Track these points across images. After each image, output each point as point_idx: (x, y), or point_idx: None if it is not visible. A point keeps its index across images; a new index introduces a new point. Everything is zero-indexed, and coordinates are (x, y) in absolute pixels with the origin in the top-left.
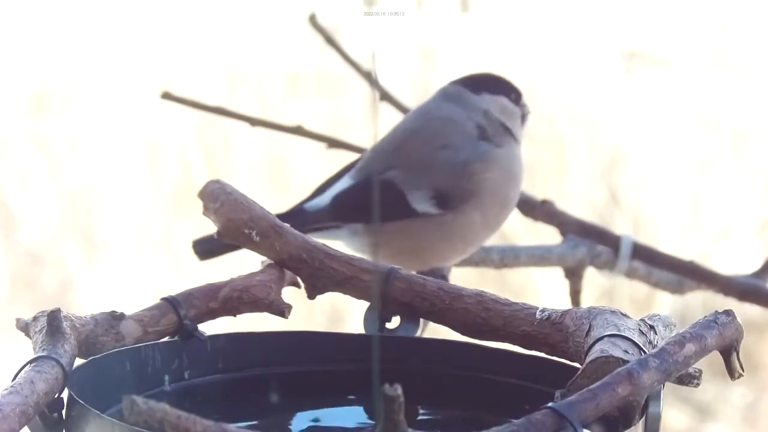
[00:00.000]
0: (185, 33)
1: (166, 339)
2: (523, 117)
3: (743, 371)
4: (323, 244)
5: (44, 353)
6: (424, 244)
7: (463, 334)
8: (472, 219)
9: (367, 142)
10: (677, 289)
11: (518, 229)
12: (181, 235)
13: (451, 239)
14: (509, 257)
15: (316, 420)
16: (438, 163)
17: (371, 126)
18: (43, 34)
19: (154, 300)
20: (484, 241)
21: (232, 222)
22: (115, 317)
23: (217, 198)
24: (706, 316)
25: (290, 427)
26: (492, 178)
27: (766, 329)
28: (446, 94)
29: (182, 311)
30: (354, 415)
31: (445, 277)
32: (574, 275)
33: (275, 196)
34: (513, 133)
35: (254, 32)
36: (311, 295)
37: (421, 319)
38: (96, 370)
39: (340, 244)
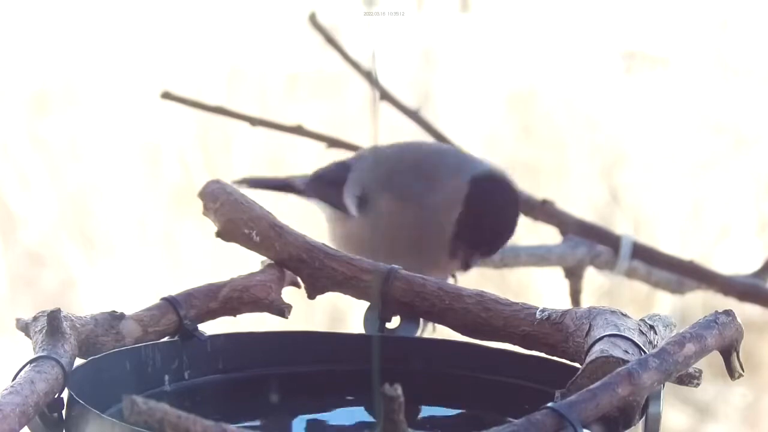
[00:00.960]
0: (185, 33)
1: (166, 339)
2: (464, 259)
3: (743, 371)
4: (323, 244)
5: (44, 353)
6: (346, 240)
7: (463, 334)
8: (364, 229)
9: (367, 142)
10: (677, 289)
11: (518, 229)
12: (181, 235)
13: (352, 241)
14: (509, 257)
15: (316, 420)
16: (371, 171)
17: (371, 126)
18: (43, 34)
19: (154, 300)
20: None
21: (232, 222)
22: (115, 317)
23: (217, 198)
24: (706, 316)
25: (290, 427)
26: (388, 209)
27: (766, 329)
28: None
29: (182, 311)
30: (354, 415)
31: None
32: (574, 275)
33: (275, 196)
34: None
35: (254, 32)
36: (311, 295)
37: (421, 319)
38: (96, 370)
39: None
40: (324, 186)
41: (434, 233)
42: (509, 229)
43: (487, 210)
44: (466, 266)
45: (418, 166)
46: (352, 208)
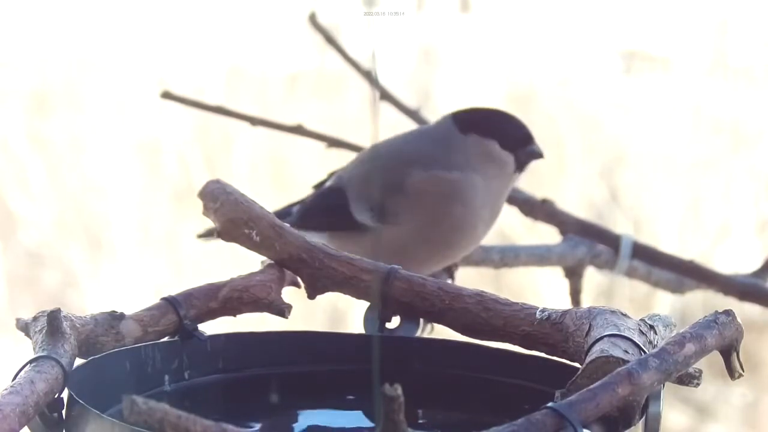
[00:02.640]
0: (185, 33)
1: (166, 339)
2: (521, 163)
3: (743, 371)
4: (323, 244)
5: (44, 353)
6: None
7: (463, 334)
8: (404, 234)
9: (367, 142)
10: (677, 288)
11: (518, 229)
12: (182, 235)
13: (386, 253)
14: (509, 257)
15: (315, 420)
16: (378, 176)
17: (371, 126)
18: (43, 34)
19: (154, 300)
20: (431, 260)
21: (232, 222)
22: (115, 317)
23: (217, 198)
24: (706, 316)
25: (290, 427)
26: (429, 199)
27: (766, 329)
28: (437, 128)
29: (182, 311)
30: (354, 415)
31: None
32: (574, 275)
33: (275, 196)
34: (486, 174)
35: (254, 32)
36: (311, 295)
37: (421, 319)
38: (96, 370)
39: None
40: (320, 214)
41: (474, 192)
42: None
43: (497, 116)
44: (538, 155)
45: (417, 149)
46: (368, 221)
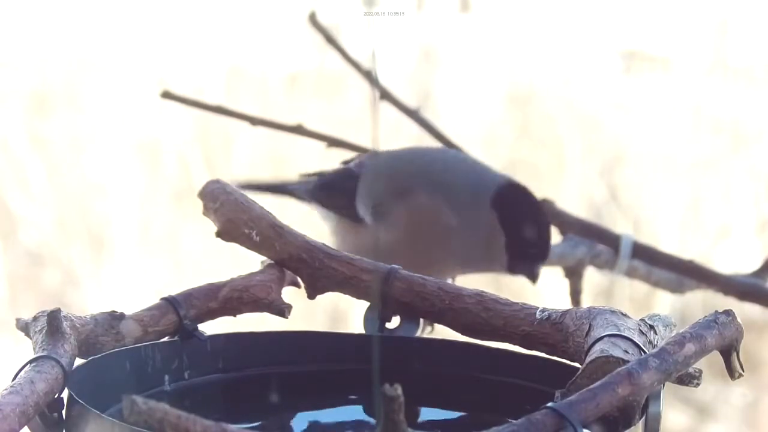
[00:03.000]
0: (185, 32)
1: (166, 339)
2: (513, 270)
3: (743, 371)
4: (323, 244)
5: (44, 353)
6: (359, 249)
7: (463, 334)
8: (392, 238)
9: (367, 141)
10: (677, 288)
11: None
12: (182, 234)
13: (367, 249)
14: None
15: (316, 420)
16: (386, 179)
17: (371, 126)
18: (43, 34)
19: (154, 300)
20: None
21: (232, 222)
22: (115, 317)
23: (217, 198)
24: (706, 316)
25: (290, 427)
26: (420, 222)
27: (766, 329)
28: (483, 177)
29: (182, 311)
30: (354, 415)
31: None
32: (574, 275)
33: (275, 196)
34: (479, 247)
35: (254, 32)
36: (311, 295)
37: (421, 319)
38: (96, 370)
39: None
40: (333, 195)
41: (460, 241)
42: (548, 228)
43: (532, 219)
44: (535, 278)
45: (439, 175)
46: (367, 217)
